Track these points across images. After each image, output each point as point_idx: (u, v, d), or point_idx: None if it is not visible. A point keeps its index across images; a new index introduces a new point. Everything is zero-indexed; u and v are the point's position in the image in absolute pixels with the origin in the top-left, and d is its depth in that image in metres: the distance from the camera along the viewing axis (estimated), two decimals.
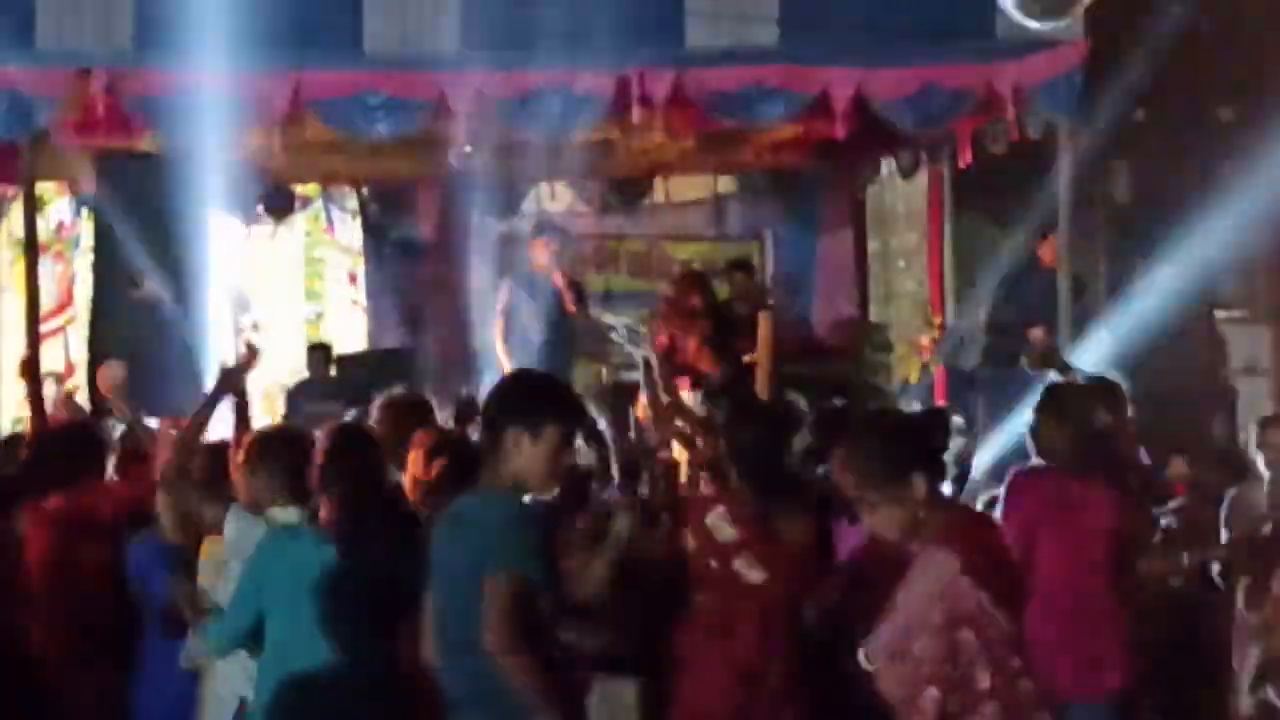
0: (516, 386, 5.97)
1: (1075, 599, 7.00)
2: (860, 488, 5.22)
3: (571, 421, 5.66)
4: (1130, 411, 8.15)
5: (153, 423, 9.00)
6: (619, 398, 11.17)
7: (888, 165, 13.94)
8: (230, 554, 6.63)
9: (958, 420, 8.66)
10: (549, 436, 5.51)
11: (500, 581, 5.28)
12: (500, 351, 12.60)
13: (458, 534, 5.49)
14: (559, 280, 12.63)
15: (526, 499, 5.58)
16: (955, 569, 5.09)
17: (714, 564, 6.68)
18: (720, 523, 6.70)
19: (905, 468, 5.18)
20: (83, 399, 12.23)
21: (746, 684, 6.64)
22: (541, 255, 12.73)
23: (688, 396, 11.61)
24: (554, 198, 15.47)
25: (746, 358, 12.87)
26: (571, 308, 12.62)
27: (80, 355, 13.52)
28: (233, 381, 7.56)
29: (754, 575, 6.65)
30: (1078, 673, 6.82)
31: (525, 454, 5.53)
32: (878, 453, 5.24)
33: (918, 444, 5.33)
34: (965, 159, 12.00)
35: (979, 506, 7.55)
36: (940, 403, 13.14)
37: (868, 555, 6.76)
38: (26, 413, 10.52)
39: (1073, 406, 7.45)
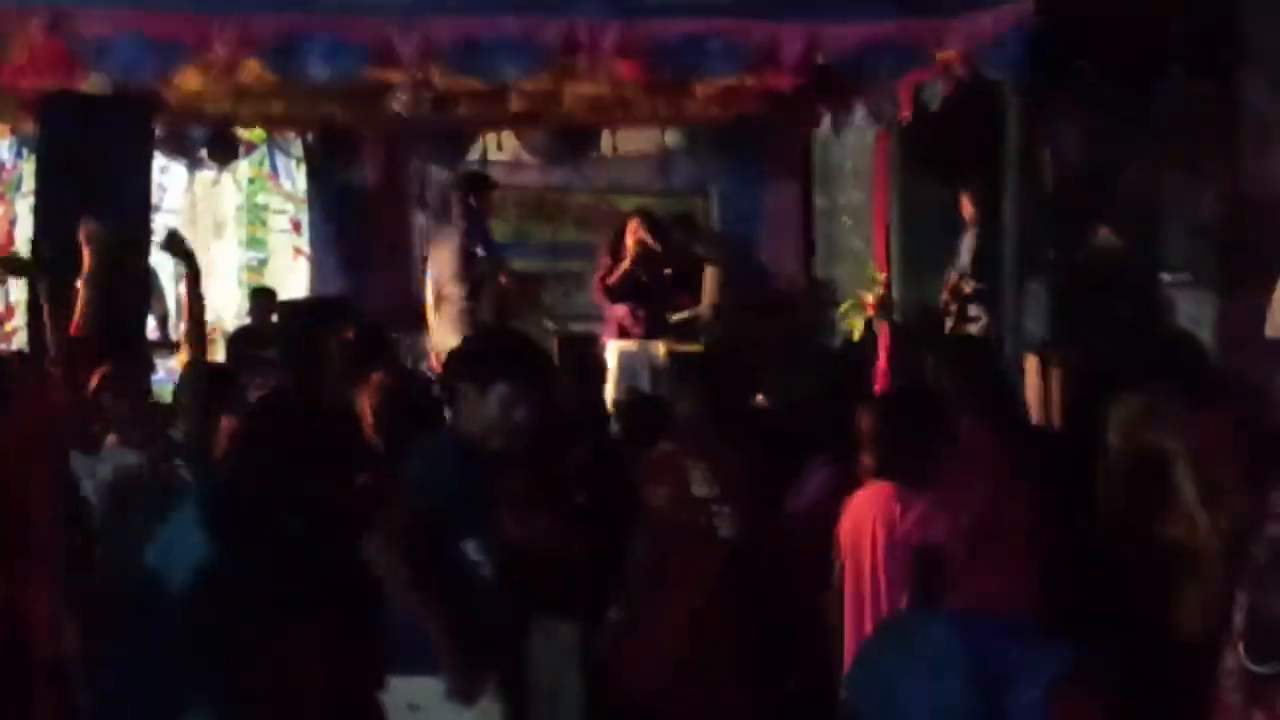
0: (473, 342, 6.10)
1: None
2: None
3: (521, 381, 5.72)
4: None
5: None
6: (573, 349, 11.24)
7: (833, 122, 13.99)
8: None
9: None
10: (497, 393, 5.61)
11: (399, 509, 5.41)
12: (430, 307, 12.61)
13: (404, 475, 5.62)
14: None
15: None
16: None
17: (687, 517, 6.79)
18: (699, 478, 6.82)
19: None
20: (21, 340, 12.21)
21: (700, 636, 6.76)
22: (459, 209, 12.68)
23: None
24: (500, 148, 15.50)
25: (689, 312, 12.99)
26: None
27: (19, 297, 13.49)
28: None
29: (728, 531, 6.79)
30: None
31: (474, 408, 5.62)
32: None
33: None
34: (906, 114, 12.07)
35: None
36: (883, 362, 13.27)
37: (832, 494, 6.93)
38: None
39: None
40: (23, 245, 13.69)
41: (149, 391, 7.49)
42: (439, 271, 13.05)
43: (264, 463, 6.39)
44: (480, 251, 12.69)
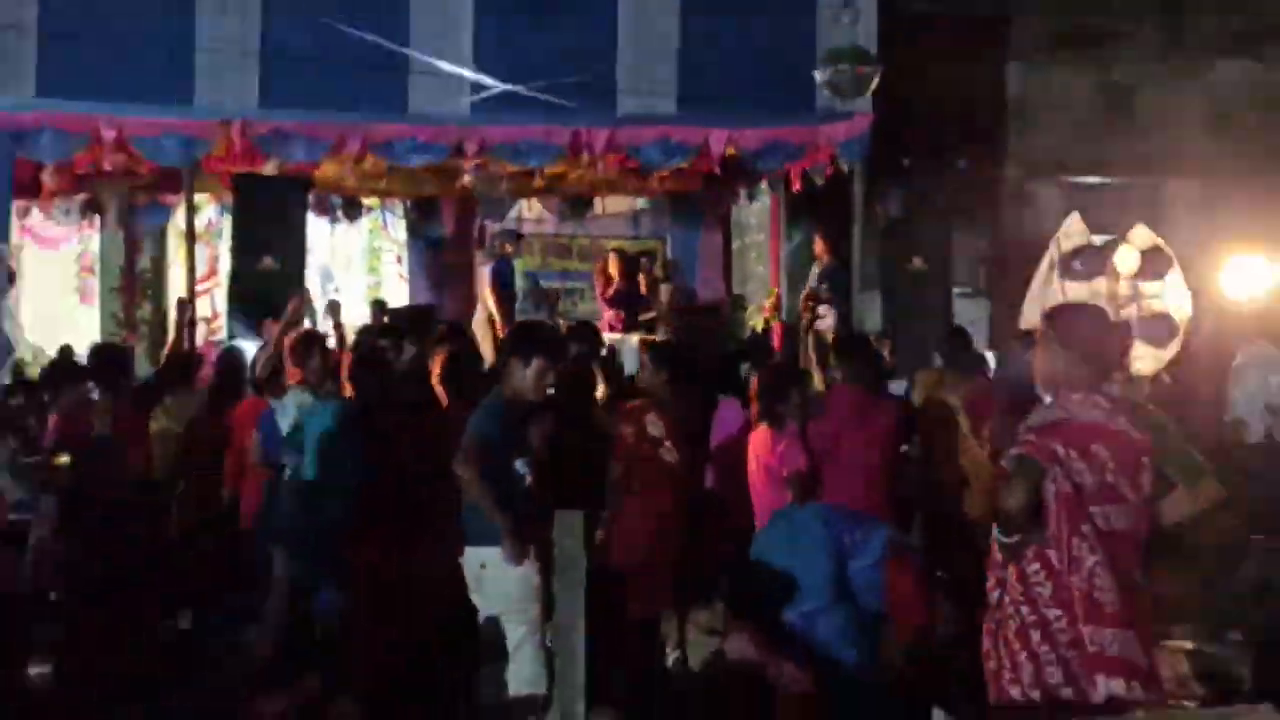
0: (519, 331, 6.11)
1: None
2: None
3: (553, 357, 5.77)
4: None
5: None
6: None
7: (745, 192, 14.01)
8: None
9: None
10: (536, 366, 5.63)
11: (467, 434, 5.51)
12: (494, 308, 12.57)
13: (474, 419, 5.65)
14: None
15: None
16: None
17: (646, 449, 6.79)
18: (651, 422, 6.82)
19: None
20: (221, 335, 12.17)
21: (661, 527, 6.78)
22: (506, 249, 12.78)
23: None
24: (530, 209, 15.49)
25: (647, 315, 13.00)
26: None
27: (222, 307, 13.44)
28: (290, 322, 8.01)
29: (671, 458, 6.80)
30: None
31: (519, 376, 5.64)
32: None
33: None
34: (795, 188, 12.09)
35: None
36: (777, 346, 13.25)
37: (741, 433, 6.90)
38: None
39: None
40: (223, 275, 13.57)
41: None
42: (481, 291, 13.04)
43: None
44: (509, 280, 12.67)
